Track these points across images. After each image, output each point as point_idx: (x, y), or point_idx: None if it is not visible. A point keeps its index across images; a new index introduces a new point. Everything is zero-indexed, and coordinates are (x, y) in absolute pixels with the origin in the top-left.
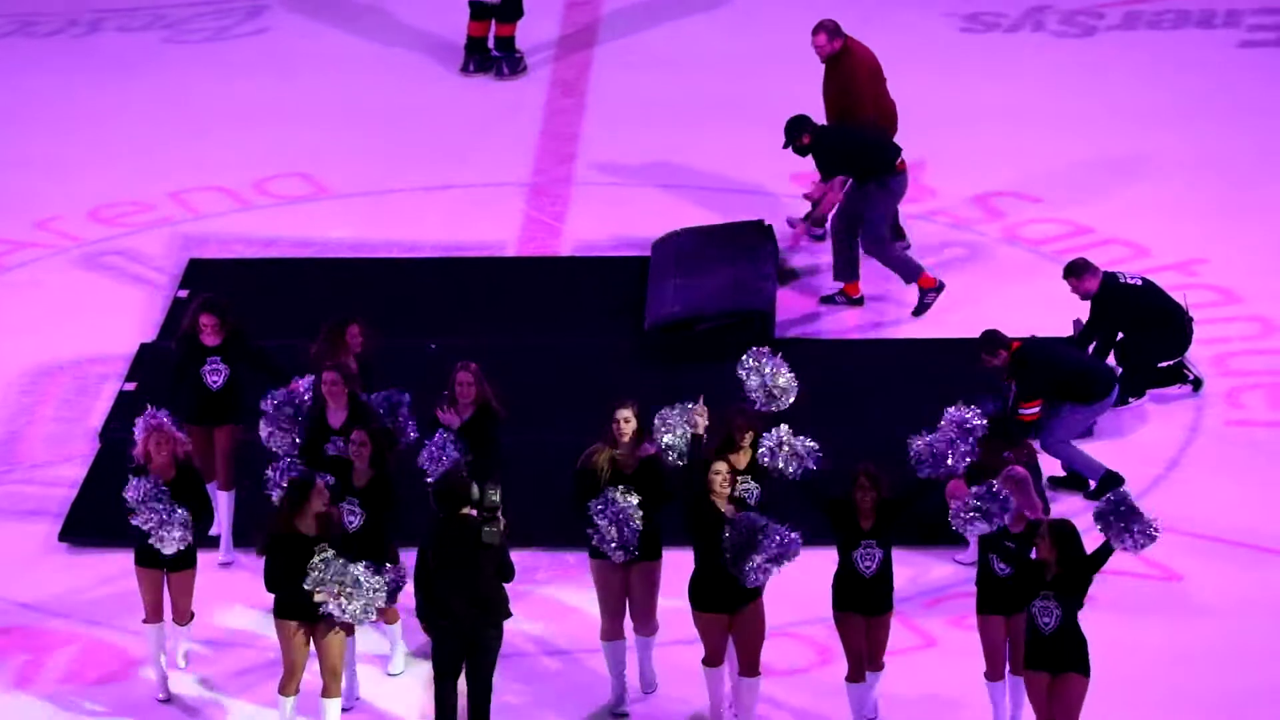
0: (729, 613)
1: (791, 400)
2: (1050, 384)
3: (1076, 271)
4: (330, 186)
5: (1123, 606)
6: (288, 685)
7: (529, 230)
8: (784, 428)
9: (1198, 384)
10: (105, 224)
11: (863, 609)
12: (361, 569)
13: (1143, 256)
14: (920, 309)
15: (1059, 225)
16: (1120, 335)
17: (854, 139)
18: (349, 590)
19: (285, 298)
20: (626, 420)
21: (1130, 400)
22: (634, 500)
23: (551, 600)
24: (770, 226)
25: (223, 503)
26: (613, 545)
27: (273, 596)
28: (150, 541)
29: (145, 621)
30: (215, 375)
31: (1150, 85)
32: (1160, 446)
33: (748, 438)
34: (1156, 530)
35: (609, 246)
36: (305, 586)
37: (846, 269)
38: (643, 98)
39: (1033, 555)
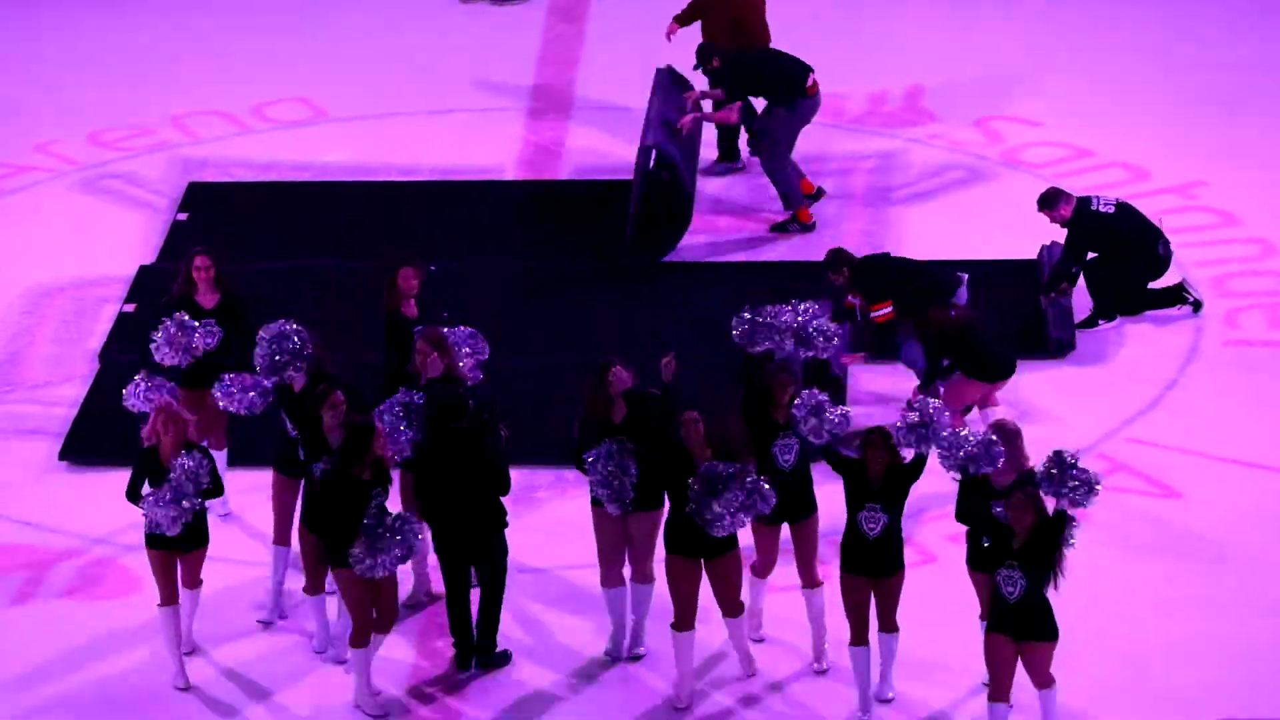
0: (704, 558)
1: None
2: (893, 286)
3: (1050, 202)
4: (329, 111)
5: (1123, 524)
6: (361, 637)
7: (528, 154)
8: (821, 395)
9: (1197, 305)
10: (105, 147)
11: (868, 571)
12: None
13: (1142, 179)
14: (778, 227)
15: (1059, 149)
16: (1091, 256)
17: (764, 62)
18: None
19: (283, 221)
20: (619, 378)
21: (1101, 323)
22: (629, 451)
23: (552, 517)
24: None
25: (220, 463)
26: (608, 497)
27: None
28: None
29: (160, 605)
30: (209, 339)
31: (1151, 8)
32: (1158, 367)
33: (789, 394)
34: (1097, 481)
35: (608, 170)
36: (355, 543)
37: (791, 196)
38: (642, 24)
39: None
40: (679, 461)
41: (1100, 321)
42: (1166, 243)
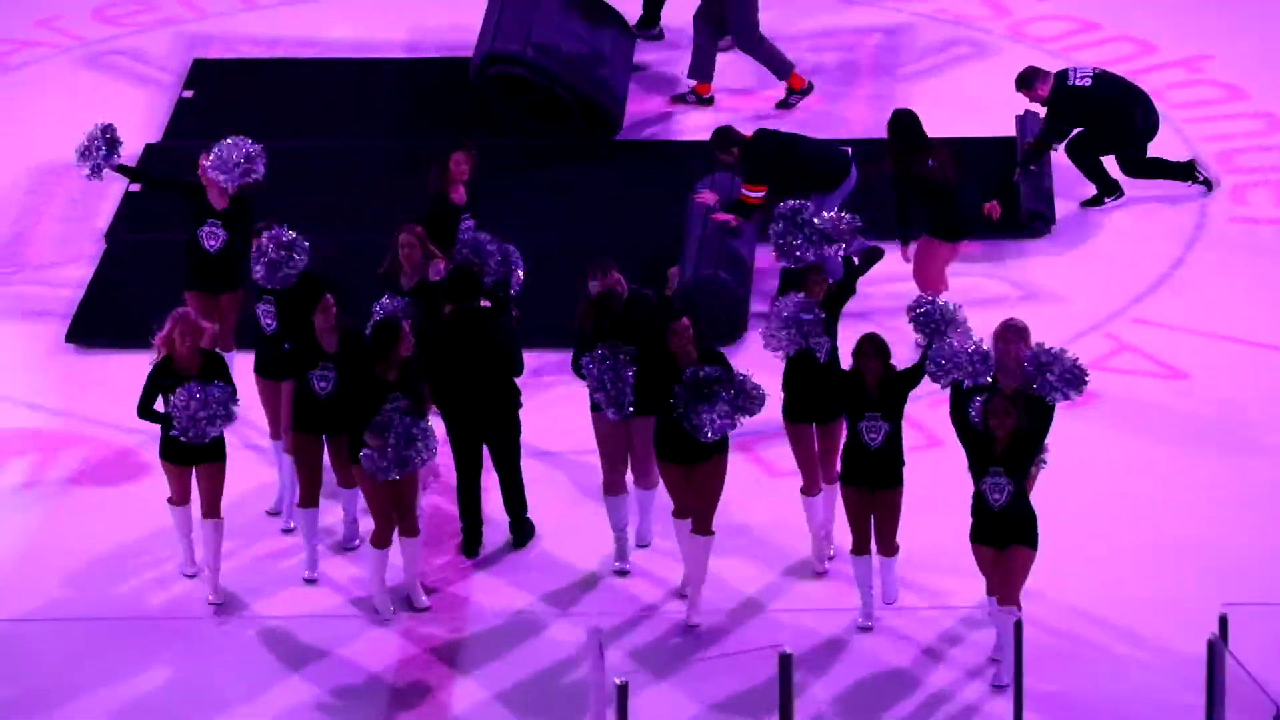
0: (686, 464)
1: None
2: (785, 170)
3: (1027, 82)
4: None
5: (1130, 404)
6: (383, 537)
7: None
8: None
9: (1209, 185)
10: (109, 23)
11: (868, 482)
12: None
13: (1148, 53)
14: (784, 104)
15: (1065, 22)
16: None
17: None
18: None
19: (289, 99)
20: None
21: (1106, 201)
22: (625, 356)
23: (561, 399)
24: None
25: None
26: (605, 401)
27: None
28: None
29: (171, 502)
30: (213, 239)
31: None
32: (1164, 246)
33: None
34: (1084, 373)
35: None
36: (366, 434)
37: (701, 68)
38: None
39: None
40: (668, 368)
41: (1105, 200)
42: (1147, 112)
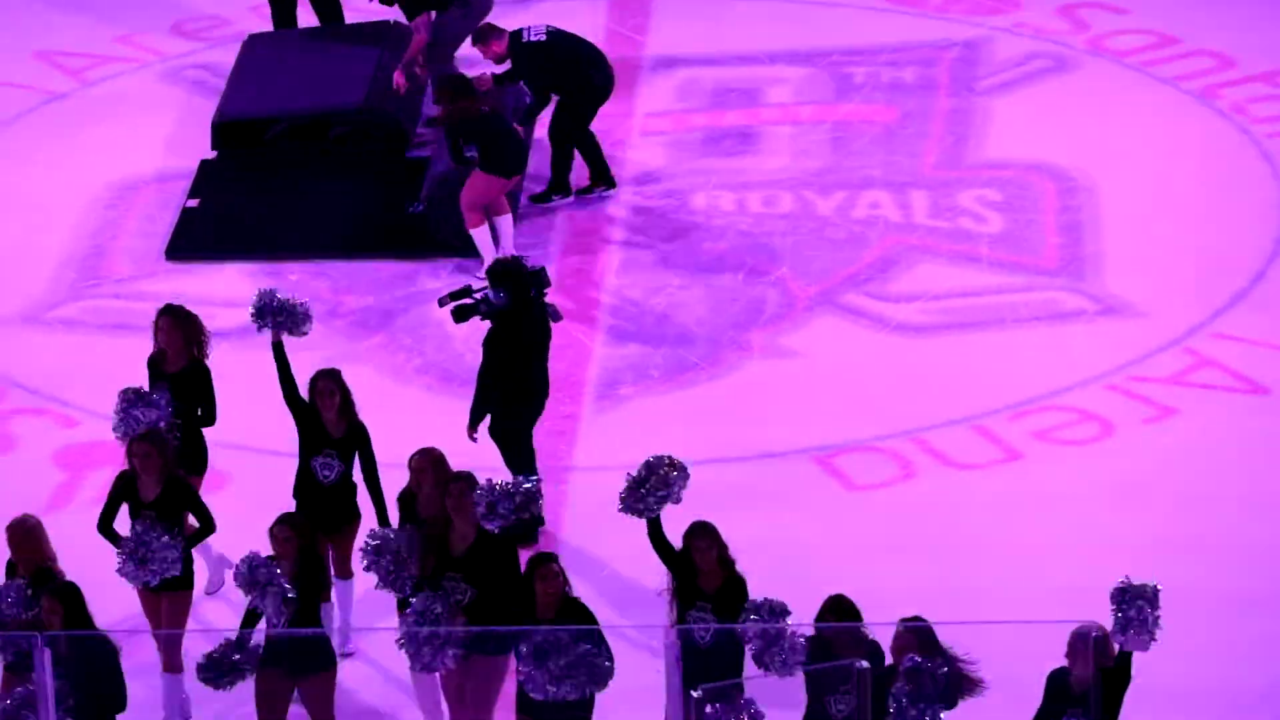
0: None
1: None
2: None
3: (483, 38)
4: None
5: (1210, 419)
6: None
7: (609, 42)
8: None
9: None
10: (187, 38)
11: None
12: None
13: (1229, 67)
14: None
15: (1144, 36)
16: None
17: None
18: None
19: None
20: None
21: (554, 199)
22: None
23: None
24: (395, 24)
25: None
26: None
27: None
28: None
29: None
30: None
31: None
32: (1246, 258)
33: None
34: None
35: (690, 61)
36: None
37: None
38: None
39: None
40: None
41: (554, 197)
42: (604, 72)
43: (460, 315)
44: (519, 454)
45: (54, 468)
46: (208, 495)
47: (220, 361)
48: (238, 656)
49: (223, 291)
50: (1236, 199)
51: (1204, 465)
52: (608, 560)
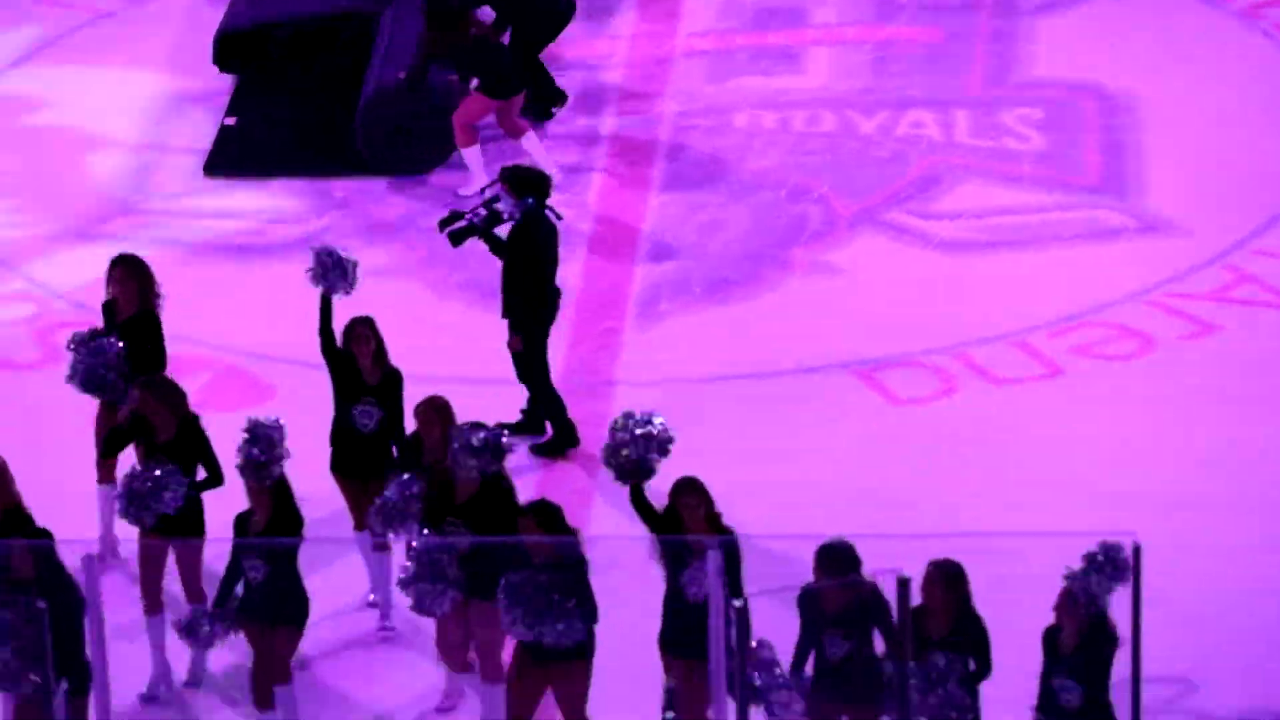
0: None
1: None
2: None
3: None
4: None
5: (1250, 335)
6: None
7: None
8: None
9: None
10: None
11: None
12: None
13: None
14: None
15: None
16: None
17: None
18: None
19: None
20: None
21: (554, 111)
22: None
23: None
24: None
25: None
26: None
27: None
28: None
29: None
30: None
31: None
32: None
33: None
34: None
35: None
36: None
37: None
38: None
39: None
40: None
41: (553, 110)
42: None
43: (457, 239)
44: (534, 364)
45: None
46: (252, 407)
47: (271, 275)
48: (219, 613)
49: (271, 205)
50: (1277, 118)
51: (1244, 380)
52: None
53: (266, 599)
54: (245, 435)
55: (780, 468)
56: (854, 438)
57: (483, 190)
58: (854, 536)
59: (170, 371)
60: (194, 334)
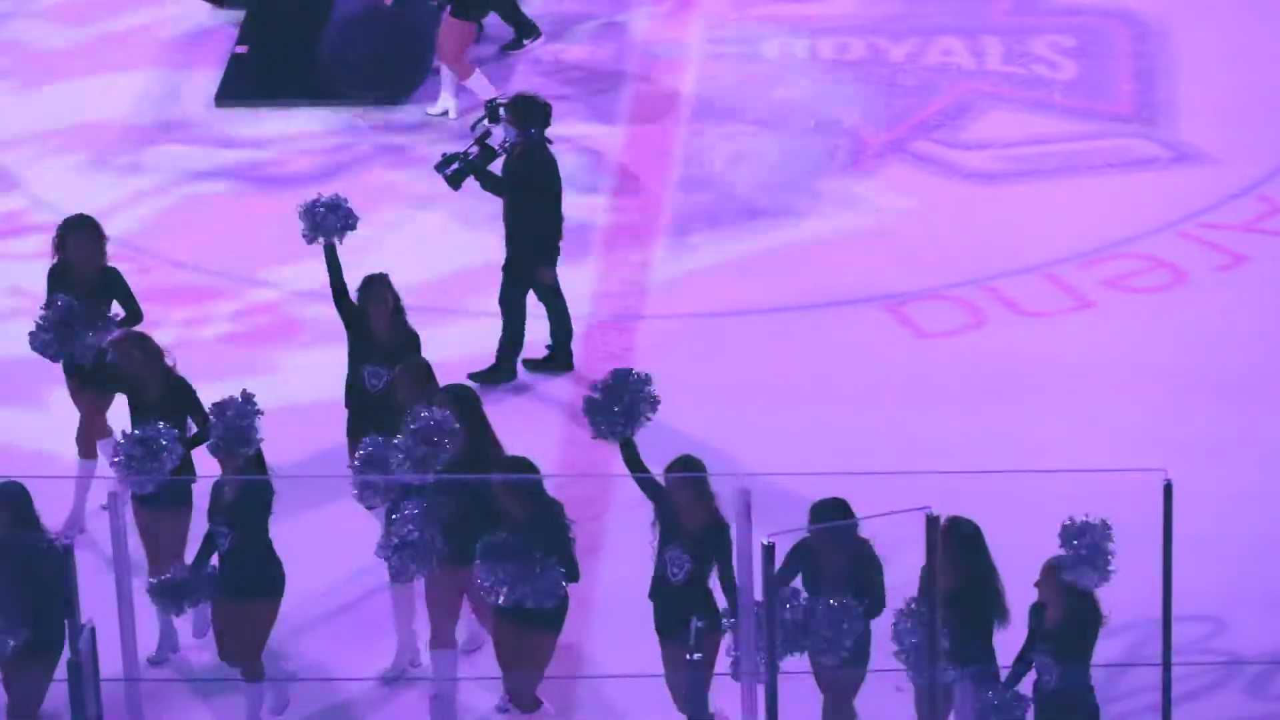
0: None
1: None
2: None
3: None
4: None
5: None
6: None
7: None
8: None
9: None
10: None
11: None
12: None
13: None
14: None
15: None
16: None
17: None
18: None
19: None
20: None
21: (526, 43)
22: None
23: None
24: None
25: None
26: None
27: None
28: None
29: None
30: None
31: None
32: None
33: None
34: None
35: None
36: None
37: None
38: None
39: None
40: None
41: (525, 41)
42: None
43: (456, 180)
44: (515, 296)
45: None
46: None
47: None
48: (193, 580)
49: (295, 131)
50: None
51: (1276, 311)
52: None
53: (237, 570)
54: (214, 418)
55: (807, 403)
56: (881, 372)
57: (473, 126)
58: (879, 474)
59: (196, 304)
60: (220, 265)
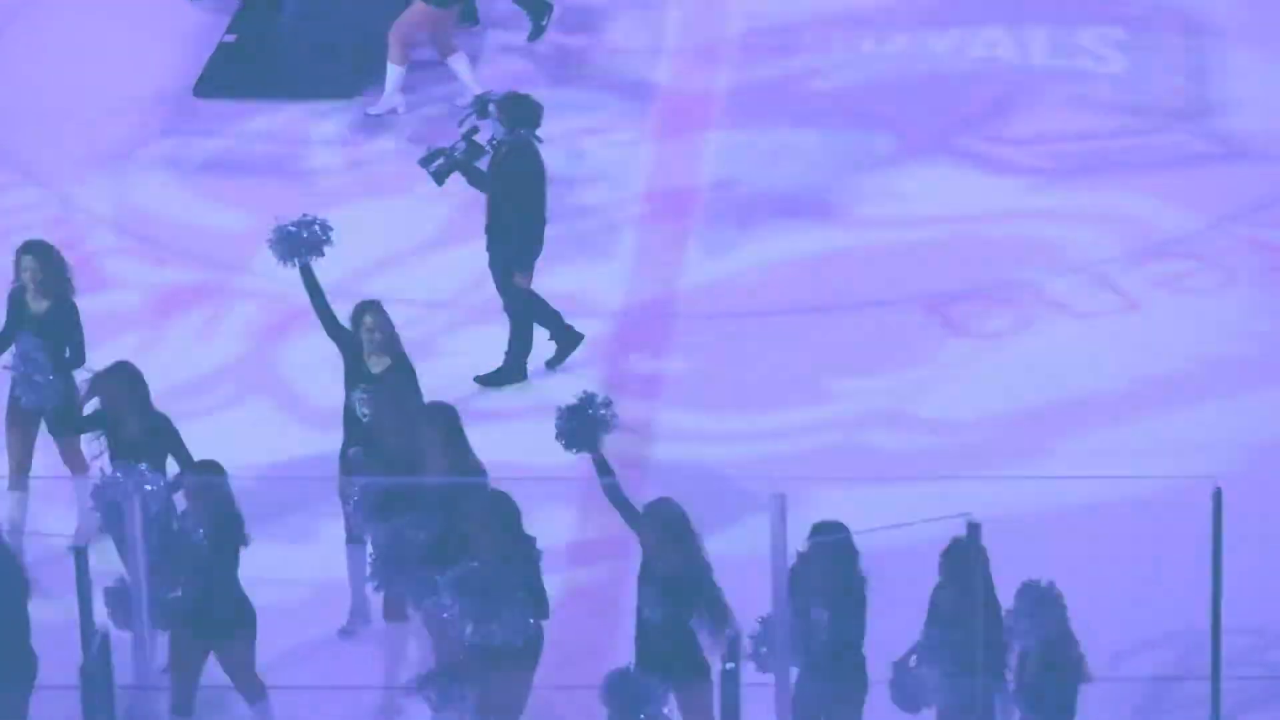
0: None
1: None
2: None
3: None
4: None
5: None
6: None
7: None
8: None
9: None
10: None
11: None
12: None
13: None
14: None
15: None
16: None
17: None
18: None
19: None
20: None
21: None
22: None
23: None
24: None
25: None
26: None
27: None
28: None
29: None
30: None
31: None
32: None
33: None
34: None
35: None
36: None
37: None
38: None
39: None
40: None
41: (543, 23)
42: None
43: (440, 176)
44: (519, 297)
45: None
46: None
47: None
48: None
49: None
50: None
51: None
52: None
53: (206, 610)
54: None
55: (849, 404)
56: (925, 373)
57: (461, 121)
58: (923, 478)
59: (210, 300)
60: (235, 262)
